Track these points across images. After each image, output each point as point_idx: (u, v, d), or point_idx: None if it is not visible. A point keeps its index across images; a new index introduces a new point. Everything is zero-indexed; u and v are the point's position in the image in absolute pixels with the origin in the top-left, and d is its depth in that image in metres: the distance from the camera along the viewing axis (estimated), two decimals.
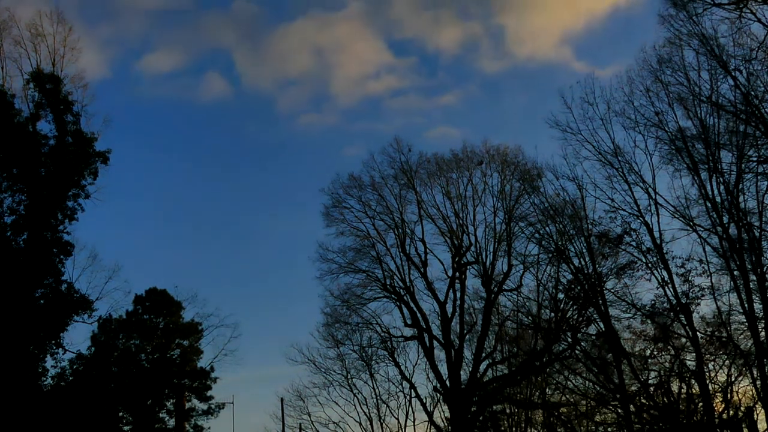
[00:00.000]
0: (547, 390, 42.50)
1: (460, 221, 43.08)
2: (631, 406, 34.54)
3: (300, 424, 47.63)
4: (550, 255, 38.10)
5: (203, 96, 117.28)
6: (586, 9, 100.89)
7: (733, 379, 33.15)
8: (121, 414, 48.34)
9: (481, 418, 42.36)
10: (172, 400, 51.61)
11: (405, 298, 43.16)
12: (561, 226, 37.34)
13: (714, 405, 32.92)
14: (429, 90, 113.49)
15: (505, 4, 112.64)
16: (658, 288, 33.02)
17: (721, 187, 31.41)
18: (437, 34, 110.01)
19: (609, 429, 39.04)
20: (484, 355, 42.08)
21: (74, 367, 41.98)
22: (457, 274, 42.71)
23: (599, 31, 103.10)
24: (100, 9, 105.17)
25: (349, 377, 46.97)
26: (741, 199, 31.38)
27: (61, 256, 36.53)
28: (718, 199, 31.48)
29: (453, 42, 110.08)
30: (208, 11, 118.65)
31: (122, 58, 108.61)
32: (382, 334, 44.61)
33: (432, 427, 43.81)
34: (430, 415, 43.63)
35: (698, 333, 32.29)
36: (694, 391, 33.56)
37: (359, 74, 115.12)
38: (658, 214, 33.34)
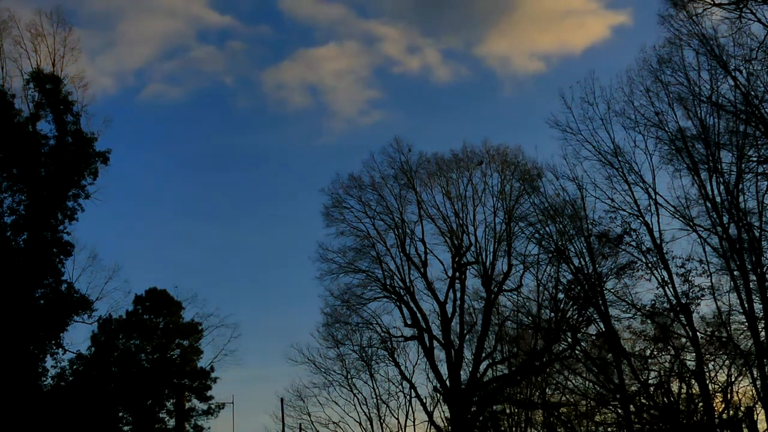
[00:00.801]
0: (547, 390, 42.52)
1: (460, 221, 43.12)
2: (631, 406, 34.55)
3: (300, 424, 47.68)
4: (550, 255, 38.12)
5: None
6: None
7: (733, 379, 33.19)
8: (121, 414, 48.35)
9: (481, 418, 42.37)
10: (172, 400, 51.61)
11: (405, 298, 43.18)
12: (561, 226, 37.36)
13: (714, 405, 32.93)
14: None
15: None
16: (658, 288, 33.07)
17: (721, 187, 31.43)
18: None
19: (609, 429, 39.05)
20: (484, 355, 42.09)
21: (74, 367, 42.01)
22: (457, 274, 42.72)
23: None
24: (102, 40, 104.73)
25: (349, 377, 47.02)
26: (741, 199, 31.40)
27: (61, 256, 36.54)
28: (718, 199, 31.49)
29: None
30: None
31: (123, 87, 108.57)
32: (382, 334, 44.67)
33: (432, 427, 43.86)
34: (430, 415, 43.69)
35: (698, 333, 32.29)
36: (694, 391, 33.58)
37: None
38: (658, 214, 33.40)
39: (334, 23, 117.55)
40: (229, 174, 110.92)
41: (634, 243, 33.94)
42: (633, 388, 35.35)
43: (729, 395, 33.32)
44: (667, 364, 34.81)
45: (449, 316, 42.26)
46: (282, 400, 48.27)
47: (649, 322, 34.02)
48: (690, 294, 32.32)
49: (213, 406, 54.23)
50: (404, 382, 45.54)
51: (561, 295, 38.62)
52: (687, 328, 32.37)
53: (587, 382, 38.42)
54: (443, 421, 44.25)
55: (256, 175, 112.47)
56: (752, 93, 29.33)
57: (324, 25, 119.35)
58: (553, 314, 39.20)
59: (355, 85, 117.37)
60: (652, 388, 34.54)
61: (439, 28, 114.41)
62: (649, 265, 33.50)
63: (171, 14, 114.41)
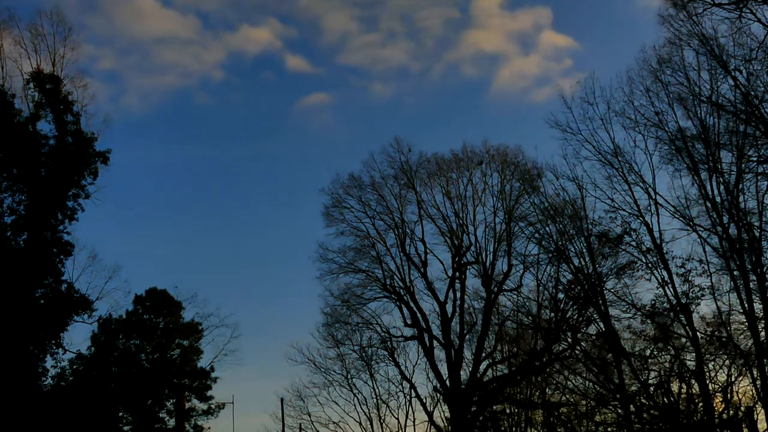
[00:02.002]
0: (547, 390, 42.51)
1: (460, 221, 43.12)
2: (631, 406, 34.54)
3: (300, 424, 47.68)
4: (550, 255, 38.11)
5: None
6: None
7: (733, 379, 33.18)
8: (121, 414, 48.36)
9: (481, 418, 42.35)
10: (172, 400, 51.62)
11: (405, 298, 43.19)
12: (561, 226, 37.35)
13: (714, 405, 32.92)
14: None
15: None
16: (658, 288, 33.05)
17: (721, 187, 31.42)
18: None
19: (609, 429, 39.02)
20: (484, 355, 42.09)
21: (74, 367, 42.04)
22: (457, 274, 42.73)
23: None
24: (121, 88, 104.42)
25: (349, 377, 47.02)
26: (741, 199, 31.38)
27: (61, 256, 36.54)
28: (718, 199, 31.48)
29: None
30: None
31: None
32: (382, 334, 44.68)
33: (432, 427, 43.87)
34: (430, 415, 43.69)
35: (698, 333, 32.28)
36: (694, 391, 33.56)
37: None
38: (658, 214, 33.38)
39: None
40: (229, 174, 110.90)
41: (634, 243, 33.97)
42: (633, 388, 35.34)
43: (729, 395, 33.33)
44: (667, 364, 34.82)
45: (449, 316, 42.28)
46: (282, 400, 48.35)
47: (649, 322, 34.01)
48: (690, 294, 32.33)
49: (213, 406, 54.31)
50: (404, 382, 45.63)
51: (561, 295, 38.65)
52: (687, 328, 32.36)
53: (587, 382, 38.42)
54: (443, 421, 44.30)
55: (256, 175, 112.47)
56: (752, 93, 29.32)
57: None
58: (553, 314, 39.21)
59: None
60: (652, 388, 34.53)
61: None
62: (649, 265, 33.52)
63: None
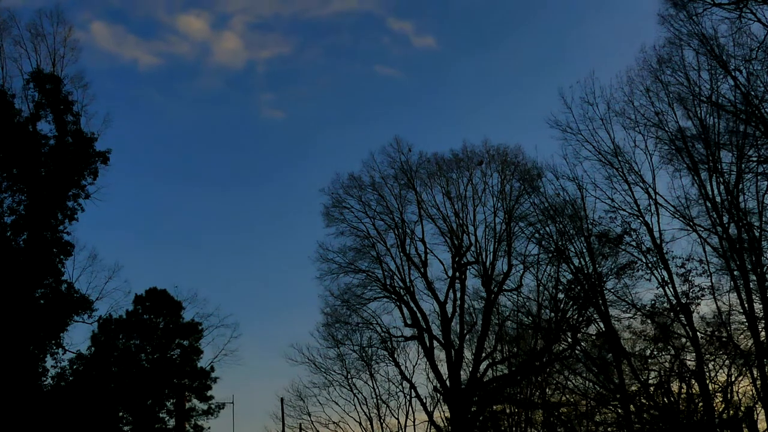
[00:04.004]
0: (547, 390, 42.45)
1: (460, 221, 43.12)
2: (631, 406, 34.51)
3: (300, 424, 47.64)
4: (550, 255, 38.12)
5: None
6: None
7: (733, 379, 33.12)
8: (121, 414, 48.35)
9: (481, 418, 42.33)
10: (172, 400, 51.60)
11: (405, 298, 43.18)
12: (561, 226, 37.35)
13: (714, 405, 32.89)
14: None
15: None
16: (658, 288, 33.04)
17: (721, 187, 31.40)
18: None
19: (609, 429, 38.98)
20: (484, 355, 42.06)
21: (74, 367, 42.02)
22: (457, 274, 42.71)
23: None
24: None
25: (349, 377, 46.98)
26: (741, 199, 31.39)
27: (61, 256, 36.54)
28: (718, 199, 31.47)
29: None
30: None
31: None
32: (382, 334, 44.66)
33: (432, 427, 43.81)
34: (430, 415, 43.64)
35: (698, 333, 32.26)
36: (694, 391, 33.51)
37: None
38: (658, 214, 33.38)
39: None
40: (229, 174, 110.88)
41: (634, 243, 33.96)
42: (633, 388, 35.31)
43: (729, 395, 33.28)
44: (667, 364, 34.78)
45: (449, 316, 42.28)
46: (282, 400, 48.32)
47: (649, 322, 34.01)
48: (690, 294, 32.30)
49: (213, 406, 54.36)
50: (404, 382, 45.57)
51: (561, 295, 38.66)
52: (687, 328, 32.34)
53: (587, 382, 38.40)
54: (443, 421, 44.23)
55: (255, 174, 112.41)
56: (752, 93, 29.32)
57: None
58: (553, 314, 39.21)
59: None
60: (652, 388, 34.50)
61: None
62: (649, 265, 33.50)
63: None
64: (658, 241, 33.18)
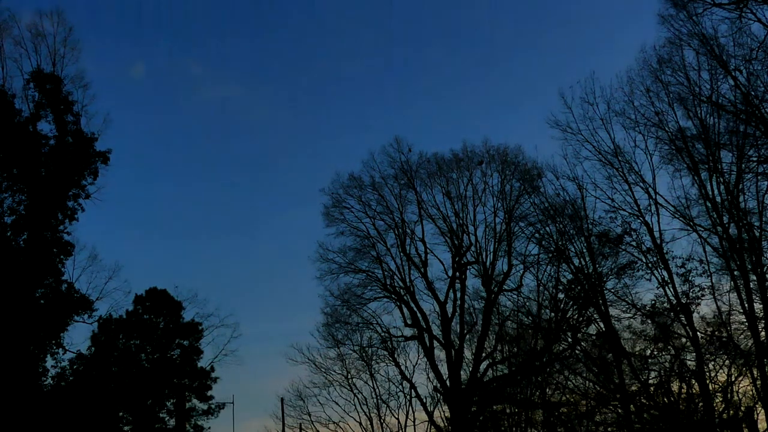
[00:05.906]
0: (547, 390, 42.45)
1: (460, 221, 43.11)
2: (631, 406, 34.51)
3: (300, 424, 47.56)
4: (550, 255, 38.13)
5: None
6: None
7: (733, 379, 33.11)
8: (121, 414, 48.37)
9: (481, 418, 42.33)
10: (172, 400, 51.63)
11: (405, 298, 43.17)
12: (561, 226, 37.38)
13: (714, 405, 32.90)
14: None
15: None
16: (658, 288, 33.08)
17: (721, 187, 31.43)
18: None
19: (609, 429, 38.98)
20: (484, 355, 42.05)
21: (74, 367, 42.06)
22: (457, 274, 42.72)
23: None
24: None
25: (349, 377, 46.90)
26: (741, 199, 31.41)
27: (61, 256, 36.54)
28: (718, 199, 31.48)
29: None
30: None
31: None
32: (382, 334, 44.61)
33: (432, 427, 43.79)
34: (430, 415, 43.63)
35: (698, 333, 32.28)
36: (694, 391, 33.52)
37: None
38: (658, 214, 33.41)
39: None
40: (229, 173, 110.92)
41: (634, 243, 33.98)
42: (633, 388, 35.31)
43: (729, 395, 33.29)
44: (667, 364, 34.78)
45: (449, 315, 42.27)
46: (282, 400, 48.24)
47: (649, 322, 34.01)
48: (690, 294, 32.34)
49: (213, 406, 54.33)
50: (404, 382, 45.49)
51: (561, 295, 38.68)
52: (687, 328, 32.36)
53: (587, 382, 38.38)
54: (443, 421, 44.20)
55: (255, 174, 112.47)
56: (752, 93, 29.34)
57: None
58: (553, 314, 39.22)
59: None
60: (652, 388, 34.50)
61: None
62: (649, 265, 33.52)
63: None
64: (658, 241, 33.22)
